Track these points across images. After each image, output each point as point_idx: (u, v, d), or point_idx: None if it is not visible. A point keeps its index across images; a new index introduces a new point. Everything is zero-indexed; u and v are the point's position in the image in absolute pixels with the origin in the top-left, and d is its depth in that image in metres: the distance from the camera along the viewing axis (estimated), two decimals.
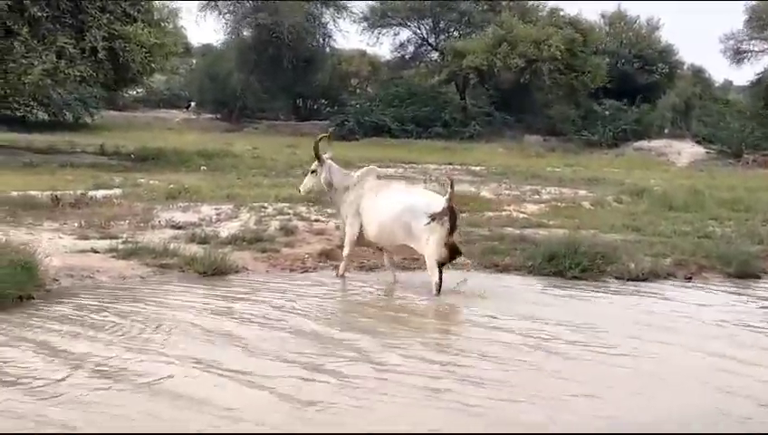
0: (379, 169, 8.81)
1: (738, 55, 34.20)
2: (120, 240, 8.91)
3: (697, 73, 41.86)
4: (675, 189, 15.04)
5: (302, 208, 11.05)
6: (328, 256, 9.06)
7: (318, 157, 8.48)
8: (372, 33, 36.92)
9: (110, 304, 7.00)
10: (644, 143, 30.62)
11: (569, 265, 8.82)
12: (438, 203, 7.84)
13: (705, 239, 10.38)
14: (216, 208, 10.90)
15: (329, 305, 7.58)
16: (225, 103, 35.25)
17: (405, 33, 37.56)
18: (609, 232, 10.66)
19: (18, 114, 25.59)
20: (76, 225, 9.59)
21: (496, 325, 6.92)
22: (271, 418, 4.80)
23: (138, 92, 34.36)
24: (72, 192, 11.53)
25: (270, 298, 7.51)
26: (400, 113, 32.08)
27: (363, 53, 41.04)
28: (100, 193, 11.95)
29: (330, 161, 8.55)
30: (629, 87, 35.36)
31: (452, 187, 7.84)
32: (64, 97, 26.80)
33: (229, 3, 35.10)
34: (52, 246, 8.40)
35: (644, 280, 8.85)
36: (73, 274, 7.82)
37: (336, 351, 6.05)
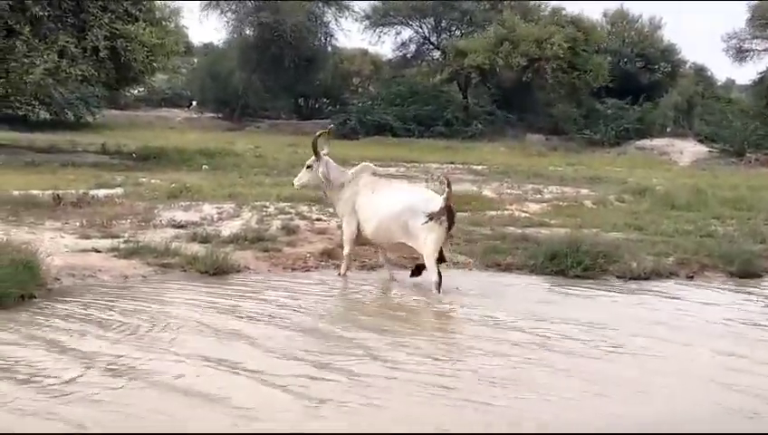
0: (374, 166, 8.77)
1: (740, 54, 34.18)
2: (121, 239, 8.89)
3: (700, 72, 41.84)
4: (677, 188, 15.00)
5: (303, 208, 11.03)
6: (330, 256, 9.04)
7: (315, 152, 8.47)
8: (374, 32, 36.87)
9: (114, 303, 6.99)
10: (646, 142, 30.56)
11: (571, 264, 8.82)
12: (437, 202, 7.84)
13: (708, 238, 10.37)
14: (217, 208, 10.87)
15: (332, 304, 7.60)
16: (226, 102, 35.21)
17: (407, 32, 37.55)
18: (611, 231, 10.65)
19: (20, 113, 25.50)
20: (78, 224, 9.57)
21: (502, 324, 6.92)
22: (285, 416, 4.79)
23: (139, 92, 34.24)
24: (73, 191, 11.48)
25: (274, 297, 7.53)
26: (402, 112, 32.03)
27: (365, 52, 40.95)
28: (101, 192, 11.91)
29: (326, 157, 8.53)
30: (632, 86, 35.33)
31: (449, 186, 7.84)
32: (66, 96, 26.72)
33: (231, 2, 35.01)
34: (54, 245, 8.38)
35: (646, 279, 8.86)
36: (75, 273, 7.81)
37: (343, 349, 6.06)
